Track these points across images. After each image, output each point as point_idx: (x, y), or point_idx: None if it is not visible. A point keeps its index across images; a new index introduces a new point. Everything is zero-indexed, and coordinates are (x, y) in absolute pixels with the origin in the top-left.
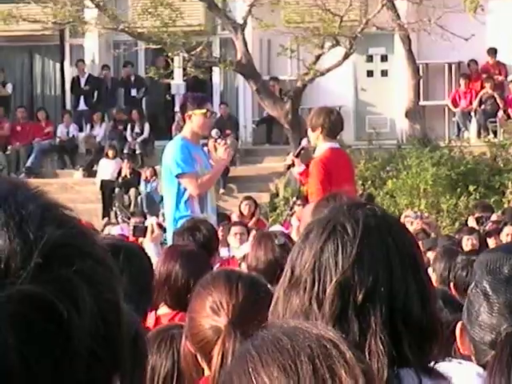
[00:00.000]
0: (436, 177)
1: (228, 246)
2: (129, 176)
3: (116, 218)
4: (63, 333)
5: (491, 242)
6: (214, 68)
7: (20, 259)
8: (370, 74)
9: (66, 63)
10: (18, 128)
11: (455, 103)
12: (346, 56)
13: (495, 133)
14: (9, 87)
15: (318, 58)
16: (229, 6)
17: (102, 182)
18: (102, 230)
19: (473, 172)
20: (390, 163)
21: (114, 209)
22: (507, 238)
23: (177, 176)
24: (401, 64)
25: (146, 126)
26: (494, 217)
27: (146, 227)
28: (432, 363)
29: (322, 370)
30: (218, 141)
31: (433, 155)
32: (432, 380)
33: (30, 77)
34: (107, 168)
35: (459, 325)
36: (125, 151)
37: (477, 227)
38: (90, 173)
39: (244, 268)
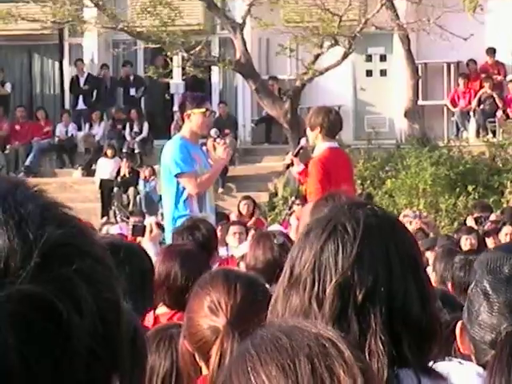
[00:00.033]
0: (435, 176)
1: (227, 245)
2: (128, 175)
3: (115, 217)
4: (63, 332)
5: (490, 242)
6: (212, 67)
7: (20, 259)
8: (369, 73)
9: (65, 62)
10: (17, 127)
11: (454, 103)
12: (345, 55)
13: (494, 133)
14: (8, 86)
15: (317, 57)
16: (228, 5)
17: (101, 181)
18: (100, 230)
19: (472, 172)
20: (389, 163)
21: (112, 208)
22: (506, 237)
23: (176, 175)
24: (400, 64)
25: (145, 126)
26: (492, 217)
27: (145, 226)
28: (431, 363)
29: (321, 369)
30: (218, 140)
31: (432, 155)
32: (431, 380)
33: (29, 76)
34: (106, 167)
35: (459, 324)
36: (124, 150)
37: (476, 227)
38: (89, 172)
39: (243, 267)
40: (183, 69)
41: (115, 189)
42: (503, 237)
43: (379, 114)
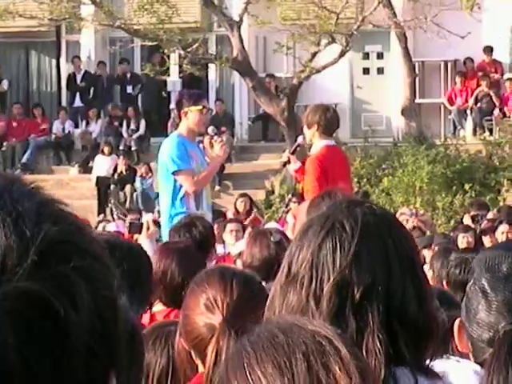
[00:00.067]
0: (432, 175)
1: (223, 242)
2: (124, 172)
3: (111, 214)
4: (61, 330)
5: (486, 240)
6: (209, 65)
7: (16, 256)
8: (365, 71)
9: (62, 60)
10: (14, 124)
11: (451, 101)
12: (342, 53)
13: (491, 131)
14: (5, 83)
15: (314, 55)
16: (225, 2)
17: (98, 178)
18: (96, 227)
19: (468, 170)
20: (386, 161)
21: (109, 205)
22: (502, 236)
23: (173, 173)
24: (397, 62)
25: (142, 123)
26: (489, 215)
27: (142, 224)
28: (428, 361)
29: (317, 366)
30: (215, 138)
31: (428, 153)
32: (428, 379)
33: (26, 73)
34: (103, 164)
35: (457, 322)
36: (120, 148)
37: (472, 225)
38: (86, 169)
39: (239, 265)
40: (180, 66)
41: (112, 186)
42: (500, 235)
43: (376, 111)
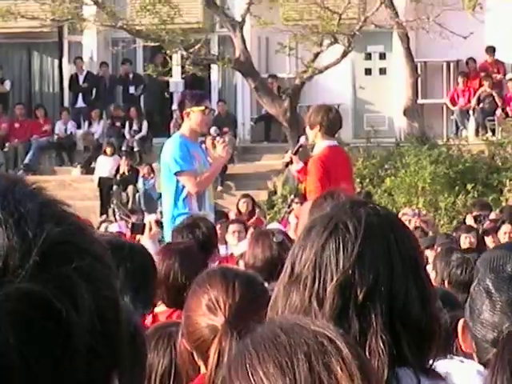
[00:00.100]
0: (434, 175)
1: (226, 243)
2: (127, 173)
3: (114, 215)
4: (62, 330)
5: (489, 241)
6: (212, 65)
7: (18, 257)
8: (368, 71)
9: (65, 60)
10: (16, 125)
11: (453, 101)
12: (345, 54)
13: (493, 131)
14: (7, 84)
15: (316, 55)
16: (227, 3)
17: (100, 179)
18: (98, 228)
19: (471, 170)
20: (388, 161)
21: (111, 206)
22: (505, 236)
23: (175, 174)
24: (399, 62)
25: (144, 124)
26: (492, 215)
27: (144, 224)
28: (431, 362)
29: (318, 367)
30: (217, 138)
31: (431, 153)
32: (430, 380)
33: (29, 74)
34: (105, 165)
35: (461, 322)
36: (123, 148)
37: (475, 225)
38: (88, 170)
39: (242, 266)
40: (182, 67)
41: (114, 187)
42: (502, 235)
43: (378, 112)
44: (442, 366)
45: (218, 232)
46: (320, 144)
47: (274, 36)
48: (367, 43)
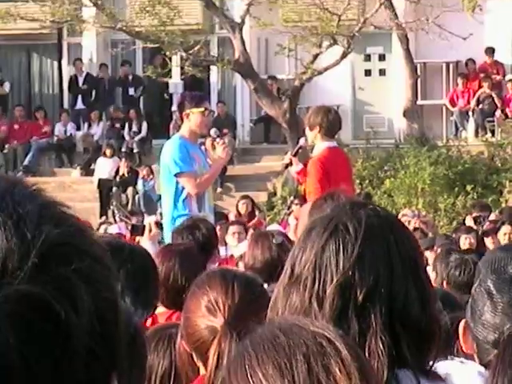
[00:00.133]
0: (434, 176)
1: (226, 244)
2: (126, 175)
3: (113, 216)
4: (62, 332)
5: (489, 242)
6: (211, 67)
7: (17, 259)
8: (367, 73)
9: (64, 62)
10: (16, 127)
11: (453, 102)
12: (344, 55)
13: (493, 132)
14: (6, 86)
15: (315, 57)
16: (226, 4)
17: (100, 180)
18: (98, 229)
19: (470, 171)
20: (388, 162)
21: (111, 208)
22: (505, 237)
23: (175, 175)
24: (399, 63)
25: (144, 125)
26: (491, 216)
27: (144, 226)
28: (431, 363)
29: (317, 368)
30: (217, 140)
31: (430, 154)
32: (430, 381)
33: (28, 75)
34: (105, 167)
35: (462, 323)
36: (122, 150)
37: (474, 226)
38: (88, 171)
39: (241, 267)
40: (182, 68)
41: (114, 188)
42: (502, 236)
43: (378, 113)
44: (442, 366)
45: (218, 233)
46: (319, 145)
47: (274, 37)
48: (367, 44)
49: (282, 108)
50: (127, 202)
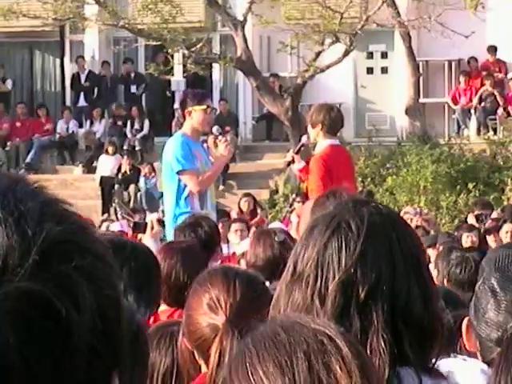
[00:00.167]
0: (436, 174)
1: (228, 242)
2: (128, 172)
3: (115, 214)
4: (63, 329)
5: (490, 240)
6: (213, 64)
7: (18, 256)
8: (370, 71)
9: (66, 59)
10: (18, 124)
11: (455, 100)
12: (346, 53)
13: (495, 130)
14: (9, 83)
15: (318, 54)
16: (229, 2)
17: (102, 178)
18: (99, 227)
19: (472, 169)
20: (390, 160)
21: (113, 205)
22: (506, 235)
23: (177, 173)
24: (401, 61)
25: (146, 123)
26: (493, 214)
27: (146, 223)
28: (433, 361)
29: (318, 366)
30: (219, 137)
31: (433, 152)
32: (432, 379)
33: (30, 73)
34: (107, 164)
35: (466, 321)
36: (124, 147)
37: (476, 224)
38: (90, 169)
39: (243, 265)
40: (184, 66)
41: (116, 186)
42: (504, 234)
43: (380, 111)
44: (445, 364)
45: (220, 231)
46: (322, 143)
47: (276, 35)
48: (369, 42)
49: (284, 106)
50: (129, 200)
